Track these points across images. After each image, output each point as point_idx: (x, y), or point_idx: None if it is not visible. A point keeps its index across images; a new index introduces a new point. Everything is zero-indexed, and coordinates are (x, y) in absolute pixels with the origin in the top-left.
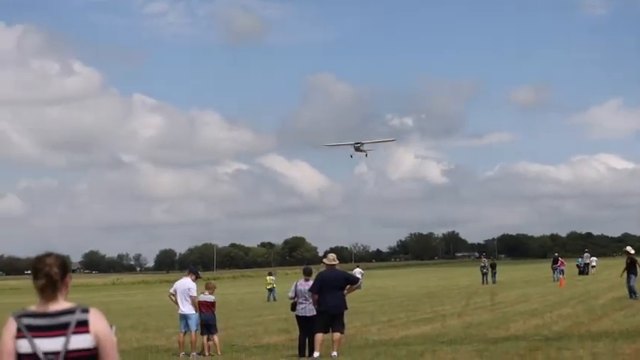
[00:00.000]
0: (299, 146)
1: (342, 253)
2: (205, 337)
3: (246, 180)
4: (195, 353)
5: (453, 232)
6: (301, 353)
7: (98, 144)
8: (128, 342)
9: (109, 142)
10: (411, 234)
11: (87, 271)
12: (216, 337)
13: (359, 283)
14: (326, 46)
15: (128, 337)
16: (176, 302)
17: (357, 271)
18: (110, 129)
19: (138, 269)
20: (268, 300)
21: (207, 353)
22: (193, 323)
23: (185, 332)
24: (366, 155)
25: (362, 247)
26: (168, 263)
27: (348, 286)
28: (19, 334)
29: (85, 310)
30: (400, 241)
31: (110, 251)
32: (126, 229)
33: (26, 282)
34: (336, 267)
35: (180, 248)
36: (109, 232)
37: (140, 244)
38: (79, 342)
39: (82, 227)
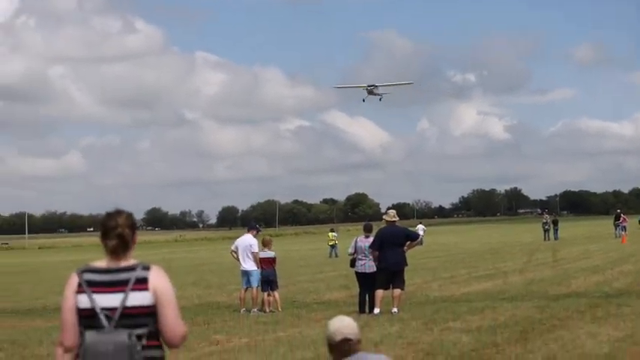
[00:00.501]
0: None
1: (404, 210)
2: (266, 294)
3: (308, 136)
4: (256, 309)
5: (516, 188)
6: (361, 309)
7: (160, 101)
8: (189, 298)
9: (172, 99)
10: (473, 190)
11: (149, 228)
12: (276, 294)
13: (419, 239)
14: (387, 2)
15: (189, 293)
16: (237, 259)
17: (420, 228)
18: (172, 86)
19: (200, 226)
20: (330, 256)
21: (267, 309)
22: (255, 279)
23: (246, 288)
24: (380, 99)
25: (424, 204)
26: (231, 220)
27: (408, 243)
28: (80, 289)
29: (146, 268)
30: (462, 197)
31: (173, 208)
32: (188, 186)
33: (88, 239)
34: (397, 223)
35: (243, 205)
36: (172, 188)
37: (203, 201)
38: (137, 299)
39: (144, 184)
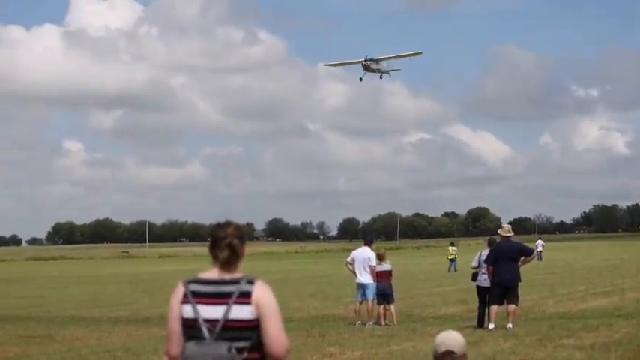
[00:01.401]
0: (482, 117)
1: (525, 225)
2: (382, 307)
3: (430, 149)
4: (371, 322)
5: (637, 204)
6: (480, 324)
7: (283, 112)
8: (306, 310)
9: (294, 110)
10: (594, 206)
11: (270, 238)
12: (392, 307)
13: (534, 254)
14: (511, 16)
15: (307, 305)
16: (353, 271)
17: (539, 243)
18: (295, 98)
19: (321, 237)
20: (449, 270)
21: (383, 322)
22: (371, 292)
23: (362, 301)
24: (381, 77)
25: (545, 219)
26: (352, 232)
27: (522, 258)
28: (185, 300)
29: (251, 282)
30: (584, 213)
31: (294, 219)
32: (310, 198)
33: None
34: (512, 238)
35: (364, 217)
36: (293, 200)
37: (324, 213)
38: (240, 312)
39: (266, 195)
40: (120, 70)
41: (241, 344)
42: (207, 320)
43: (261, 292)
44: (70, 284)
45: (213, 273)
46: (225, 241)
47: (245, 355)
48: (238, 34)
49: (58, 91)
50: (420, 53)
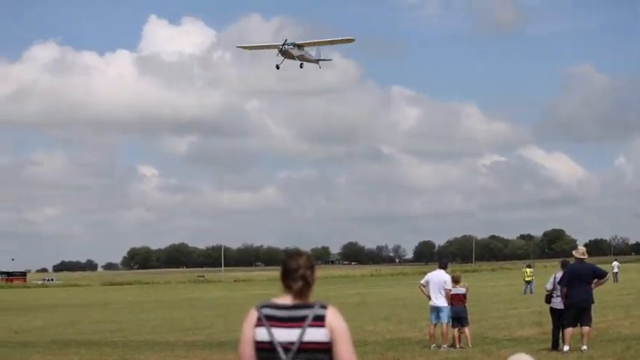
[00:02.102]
0: (556, 138)
1: (601, 246)
2: (456, 329)
3: (504, 171)
4: (446, 345)
5: None
6: (554, 346)
7: (357, 136)
8: (381, 333)
9: (368, 133)
10: None
11: (346, 262)
12: (467, 329)
13: (607, 276)
14: (586, 36)
15: (381, 328)
16: (427, 294)
17: (615, 265)
18: (369, 121)
19: (397, 261)
20: (525, 292)
21: (458, 345)
22: (445, 315)
23: (436, 324)
24: (301, 66)
25: (621, 240)
26: (427, 255)
27: (595, 280)
28: (259, 323)
29: (324, 307)
30: None
31: (369, 243)
32: (385, 221)
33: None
34: (586, 260)
35: (439, 240)
36: (368, 223)
37: (399, 236)
38: (315, 335)
39: (341, 218)
40: (193, 96)
41: None
42: (282, 343)
43: (334, 316)
44: (146, 309)
45: (286, 299)
46: (298, 273)
47: None
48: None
49: (131, 117)
50: (352, 40)
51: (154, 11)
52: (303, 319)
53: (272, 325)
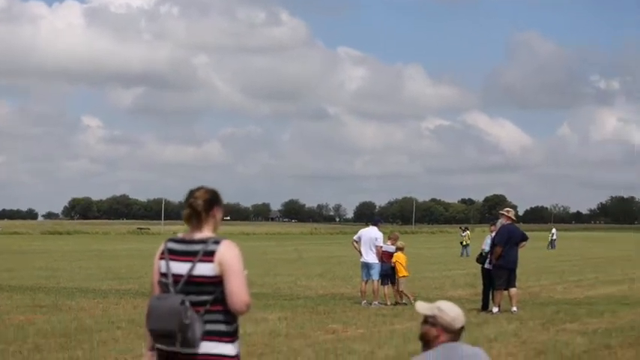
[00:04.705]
0: (502, 104)
1: (541, 213)
2: (386, 287)
3: (448, 135)
4: (377, 302)
5: None
6: (484, 308)
7: (302, 95)
8: (314, 289)
9: (314, 93)
10: (611, 197)
11: (286, 219)
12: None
13: (528, 240)
14: (533, 3)
15: (314, 284)
16: (359, 250)
17: (554, 232)
18: (315, 80)
19: (337, 220)
20: (462, 255)
21: (389, 302)
22: (376, 272)
23: (367, 280)
24: None
25: (562, 208)
26: (368, 215)
27: (522, 243)
28: (162, 256)
29: (217, 242)
30: (600, 204)
31: (310, 201)
32: (327, 180)
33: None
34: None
35: (380, 201)
36: (310, 181)
37: (340, 195)
38: (203, 269)
39: (283, 176)
40: (141, 48)
41: (203, 298)
42: (174, 275)
43: (226, 251)
44: (83, 258)
45: (187, 234)
46: (188, 202)
47: (208, 307)
48: (260, 14)
49: (78, 68)
50: None
51: None
52: (195, 253)
53: (171, 259)
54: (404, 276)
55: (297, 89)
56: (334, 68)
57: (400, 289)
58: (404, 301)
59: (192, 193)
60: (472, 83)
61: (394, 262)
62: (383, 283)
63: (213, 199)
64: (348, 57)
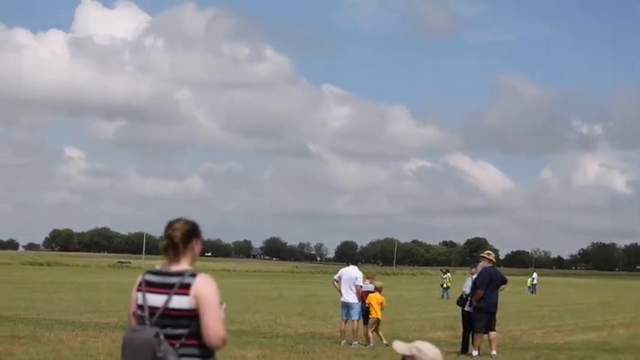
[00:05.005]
0: (484, 146)
1: (522, 257)
2: (366, 326)
3: (430, 177)
4: (357, 342)
5: (636, 244)
6: (464, 350)
7: (285, 132)
8: (293, 327)
9: (297, 130)
10: (592, 243)
11: (267, 257)
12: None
13: (507, 284)
14: (517, 47)
15: (294, 322)
16: (339, 290)
17: (534, 277)
18: (298, 117)
19: (318, 259)
20: (442, 297)
21: (370, 343)
22: (356, 312)
23: (347, 320)
24: None
25: (543, 253)
26: (349, 255)
27: (502, 287)
28: (139, 287)
29: (193, 275)
30: (582, 250)
31: (292, 239)
32: (309, 218)
33: (206, 263)
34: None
35: (362, 241)
36: (292, 219)
37: (322, 234)
38: (179, 302)
39: (264, 213)
40: (124, 81)
41: (179, 331)
42: (151, 307)
43: (202, 285)
44: (62, 290)
45: (164, 266)
46: (166, 233)
47: (183, 340)
48: (244, 50)
49: (61, 98)
50: None
51: None
52: (172, 286)
53: (148, 291)
54: (375, 318)
55: (280, 126)
56: (318, 106)
57: (370, 330)
58: (385, 342)
59: (170, 225)
60: (455, 125)
61: (368, 303)
62: (365, 323)
63: (191, 230)
64: (331, 95)
